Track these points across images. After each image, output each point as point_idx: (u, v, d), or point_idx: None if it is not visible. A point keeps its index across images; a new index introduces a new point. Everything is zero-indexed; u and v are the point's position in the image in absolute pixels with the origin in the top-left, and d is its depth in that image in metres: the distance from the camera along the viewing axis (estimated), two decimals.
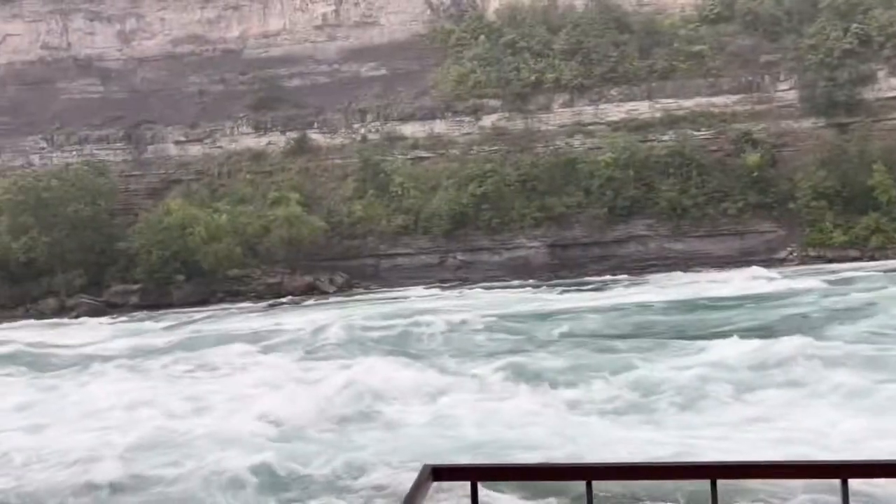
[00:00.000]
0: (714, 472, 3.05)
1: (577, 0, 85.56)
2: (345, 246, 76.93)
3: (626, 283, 62.27)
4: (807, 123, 75.58)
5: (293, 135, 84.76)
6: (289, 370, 26.43)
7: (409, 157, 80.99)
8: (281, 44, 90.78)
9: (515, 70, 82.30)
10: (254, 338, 37.08)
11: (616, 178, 73.02)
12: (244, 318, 52.75)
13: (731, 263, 67.53)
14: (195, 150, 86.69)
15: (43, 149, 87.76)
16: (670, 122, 77.56)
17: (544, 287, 62.50)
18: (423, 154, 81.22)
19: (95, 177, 78.96)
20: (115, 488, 17.86)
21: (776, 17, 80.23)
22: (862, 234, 68.09)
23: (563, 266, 73.62)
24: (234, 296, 70.95)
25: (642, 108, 79.30)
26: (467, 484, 3.22)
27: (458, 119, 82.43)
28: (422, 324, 34.56)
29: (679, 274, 64.90)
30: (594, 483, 3.13)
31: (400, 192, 77.38)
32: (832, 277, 51.26)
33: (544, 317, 38.29)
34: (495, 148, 79.13)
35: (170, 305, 67.69)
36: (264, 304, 65.75)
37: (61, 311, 68.50)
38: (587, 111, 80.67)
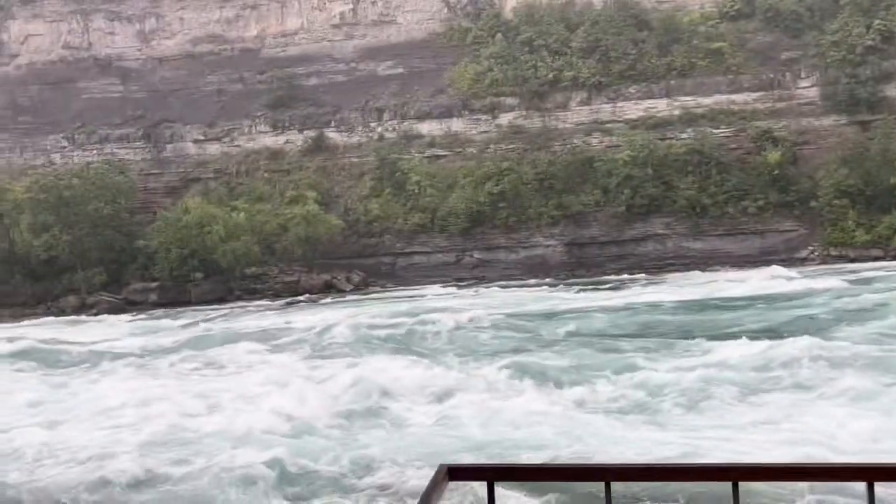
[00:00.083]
0: (736, 473, 3.04)
1: None
2: (361, 244, 77.08)
3: (644, 282, 61.75)
4: (828, 121, 74.63)
5: (310, 133, 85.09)
6: (297, 369, 26.46)
7: (425, 155, 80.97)
8: (299, 43, 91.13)
9: (533, 68, 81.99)
10: (266, 336, 37.18)
11: (634, 176, 72.47)
12: (260, 317, 52.92)
13: (751, 263, 66.83)
14: (213, 148, 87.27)
15: (64, 148, 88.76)
16: (689, 119, 76.88)
17: (561, 286, 62.17)
18: (440, 152, 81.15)
19: (115, 175, 79.71)
20: (115, 486, 17.92)
21: (797, 14, 79.30)
22: (885, 234, 67.11)
23: (581, 265, 73.26)
24: (251, 294, 71.32)
25: (661, 106, 78.70)
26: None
27: (474, 117, 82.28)
28: (428, 322, 34.47)
29: (697, 273, 64.28)
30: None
31: (417, 191, 77.37)
32: (853, 277, 50.53)
33: (555, 316, 38.05)
34: (512, 146, 78.90)
35: (188, 303, 68.12)
36: (281, 302, 65.96)
37: (81, 309, 69.15)
38: (605, 109, 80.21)
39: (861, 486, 3.04)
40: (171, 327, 49.25)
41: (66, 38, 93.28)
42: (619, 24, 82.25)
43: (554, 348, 27.42)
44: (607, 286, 58.67)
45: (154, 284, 72.09)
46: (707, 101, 77.75)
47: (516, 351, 27.48)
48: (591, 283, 62.32)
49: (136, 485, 19.02)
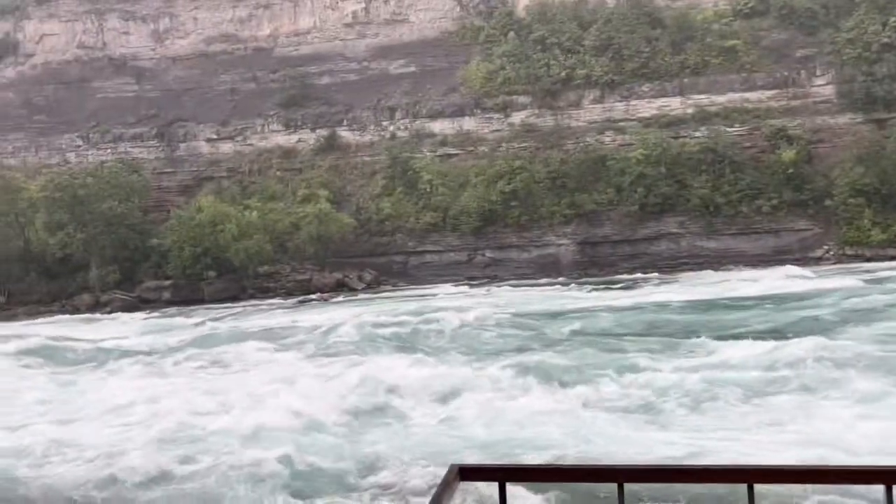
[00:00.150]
0: (751, 475, 3.02)
1: None
2: (373, 243, 77.16)
3: (657, 281, 61.40)
4: (844, 119, 73.95)
5: (323, 132, 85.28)
6: (303, 367, 26.53)
7: (437, 154, 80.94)
8: (311, 42, 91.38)
9: (545, 66, 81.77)
10: (276, 335, 37.29)
11: (647, 174, 72.10)
12: (271, 315, 53.06)
13: (765, 262, 66.35)
14: (226, 147, 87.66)
15: (79, 147, 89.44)
16: (703, 118, 76.40)
17: (573, 285, 61.91)
18: (452, 151, 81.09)
19: (129, 174, 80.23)
20: (114, 484, 17.97)
21: (812, 11, 78.63)
22: None
23: (593, 264, 72.99)
24: (263, 292, 71.54)
25: (674, 104, 78.27)
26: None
27: (487, 116, 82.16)
28: (433, 321, 34.47)
29: (710, 273, 63.86)
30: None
31: (428, 190, 77.35)
32: (868, 277, 50.00)
33: (562, 315, 37.94)
34: (525, 145, 78.72)
35: (201, 301, 68.38)
36: (294, 300, 66.09)
37: (95, 307, 69.57)
38: (618, 107, 79.87)
39: (868, 489, 3.01)
40: (183, 325, 49.44)
41: (80, 37, 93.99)
42: (633, 21, 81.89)
43: (556, 348, 27.31)
44: (619, 285, 58.37)
45: (167, 283, 72.46)
46: (721, 99, 77.26)
47: (519, 350, 27.41)
48: (604, 283, 62.03)
49: (145, 483, 19.08)
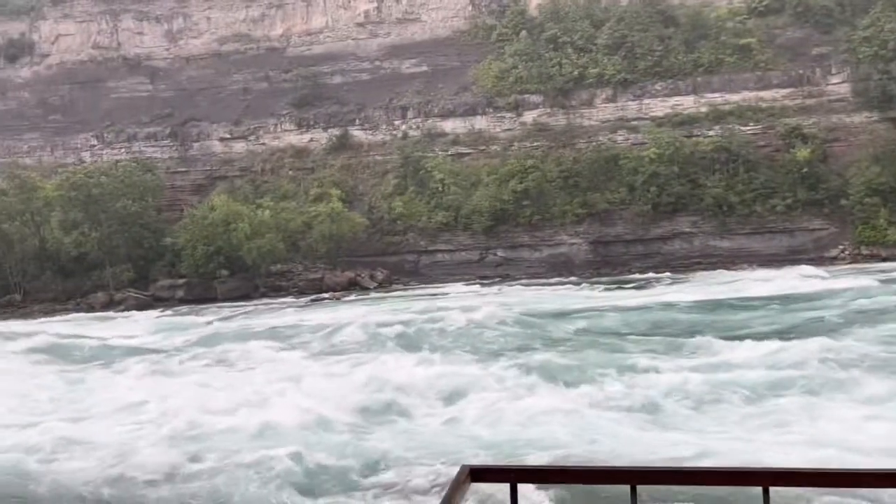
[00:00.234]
0: (766, 478, 3.01)
1: None
2: (385, 242, 77.23)
3: (669, 281, 61.05)
4: (859, 118, 73.25)
5: (335, 131, 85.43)
6: (310, 366, 26.61)
7: (449, 153, 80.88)
8: (323, 41, 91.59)
9: (557, 65, 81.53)
10: (285, 334, 37.39)
11: (660, 174, 71.72)
12: (283, 314, 53.18)
13: (779, 262, 65.81)
14: (239, 146, 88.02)
15: (93, 146, 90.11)
16: (716, 116, 75.92)
17: (585, 285, 61.68)
18: (464, 150, 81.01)
19: (143, 173, 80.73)
20: (122, 481, 18.05)
21: (828, 9, 77.96)
22: None
23: (606, 263, 72.72)
24: (276, 291, 71.79)
25: (687, 103, 77.81)
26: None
27: (498, 115, 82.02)
28: (438, 320, 34.44)
29: (723, 272, 63.42)
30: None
31: (440, 189, 77.33)
32: (883, 277, 49.46)
33: (570, 314, 37.82)
34: (537, 144, 78.52)
35: (214, 300, 68.72)
36: (306, 299, 66.24)
37: (109, 305, 70.10)
38: (630, 106, 79.50)
39: (873, 491, 2.96)
40: (195, 324, 49.66)
41: (95, 38, 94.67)
42: (646, 20, 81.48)
43: (559, 347, 27.23)
44: (631, 285, 58.09)
45: (181, 281, 72.87)
46: (735, 97, 76.75)
47: (521, 349, 27.35)
48: (616, 282, 61.76)
49: (152, 481, 19.16)
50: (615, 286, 58.07)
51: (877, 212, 67.02)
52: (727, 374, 20.51)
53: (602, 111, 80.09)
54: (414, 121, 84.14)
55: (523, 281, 67.46)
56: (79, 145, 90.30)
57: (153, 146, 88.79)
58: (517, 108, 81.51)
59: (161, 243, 75.62)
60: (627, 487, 3.09)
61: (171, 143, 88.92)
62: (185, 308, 64.57)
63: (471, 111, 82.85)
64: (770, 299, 40.02)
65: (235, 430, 20.67)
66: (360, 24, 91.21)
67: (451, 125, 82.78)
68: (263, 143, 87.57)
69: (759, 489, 3.02)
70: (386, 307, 49.36)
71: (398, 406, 20.52)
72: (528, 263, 74.22)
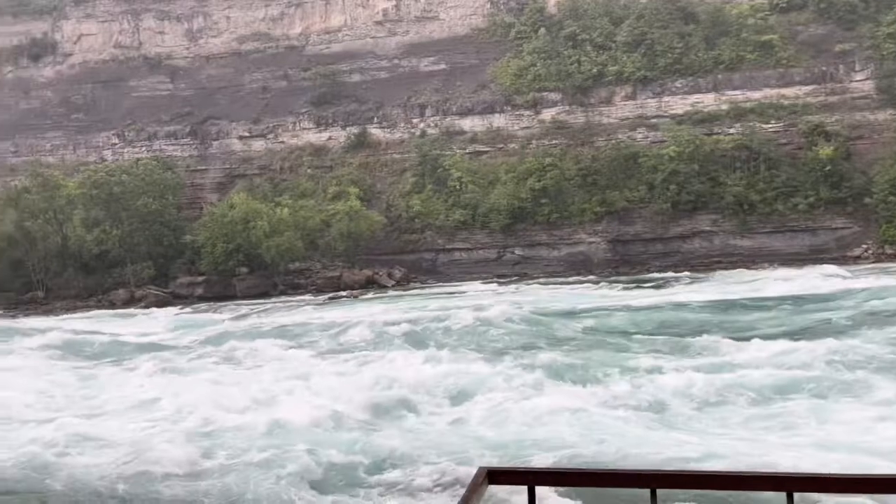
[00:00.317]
0: (791, 483, 2.94)
1: None
2: (403, 240, 77.26)
3: (688, 280, 60.51)
4: (884, 115, 72.15)
5: (353, 130, 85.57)
6: (319, 364, 26.67)
7: (467, 151, 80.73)
8: (342, 40, 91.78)
9: (576, 63, 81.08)
10: (301, 331, 37.49)
11: (680, 172, 71.07)
12: (301, 311, 53.37)
13: (801, 261, 64.98)
14: (258, 145, 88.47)
15: (115, 144, 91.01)
16: (737, 114, 75.09)
17: (604, 283, 61.30)
18: (482, 148, 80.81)
19: (163, 172, 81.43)
20: (136, 476, 18.15)
21: (851, 5, 76.83)
22: None
23: (624, 262, 72.24)
24: (294, 288, 72.06)
25: (708, 101, 77.04)
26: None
27: (517, 113, 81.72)
28: (445, 318, 34.37)
29: (744, 271, 62.73)
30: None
31: (458, 187, 77.20)
32: None
33: (581, 313, 37.60)
34: (555, 142, 78.16)
35: (233, 297, 69.17)
36: (324, 297, 66.43)
37: (130, 302, 70.82)
38: (650, 104, 78.86)
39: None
40: (213, 321, 49.97)
41: (117, 37, 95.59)
42: (665, 17, 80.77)
43: (564, 346, 27.05)
44: (650, 284, 57.65)
45: (200, 278, 73.42)
46: (756, 95, 75.88)
47: (525, 347, 27.21)
48: (634, 281, 61.32)
49: (164, 476, 19.25)
50: (633, 285, 57.65)
51: None
52: (731, 375, 20.26)
53: (621, 109, 79.54)
54: (432, 119, 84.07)
55: (541, 280, 67.17)
56: (100, 144, 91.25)
57: (173, 144, 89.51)
58: (535, 105, 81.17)
59: (181, 241, 76.25)
60: (647, 491, 3.02)
61: (191, 142, 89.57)
62: (203, 305, 65.02)
63: (489, 109, 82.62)
64: (783, 299, 39.52)
65: (247, 427, 20.74)
66: (378, 23, 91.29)
67: (469, 123, 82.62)
68: (282, 142, 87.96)
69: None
70: (404, 305, 49.36)
71: (404, 403, 20.49)
72: (546, 262, 73.90)
